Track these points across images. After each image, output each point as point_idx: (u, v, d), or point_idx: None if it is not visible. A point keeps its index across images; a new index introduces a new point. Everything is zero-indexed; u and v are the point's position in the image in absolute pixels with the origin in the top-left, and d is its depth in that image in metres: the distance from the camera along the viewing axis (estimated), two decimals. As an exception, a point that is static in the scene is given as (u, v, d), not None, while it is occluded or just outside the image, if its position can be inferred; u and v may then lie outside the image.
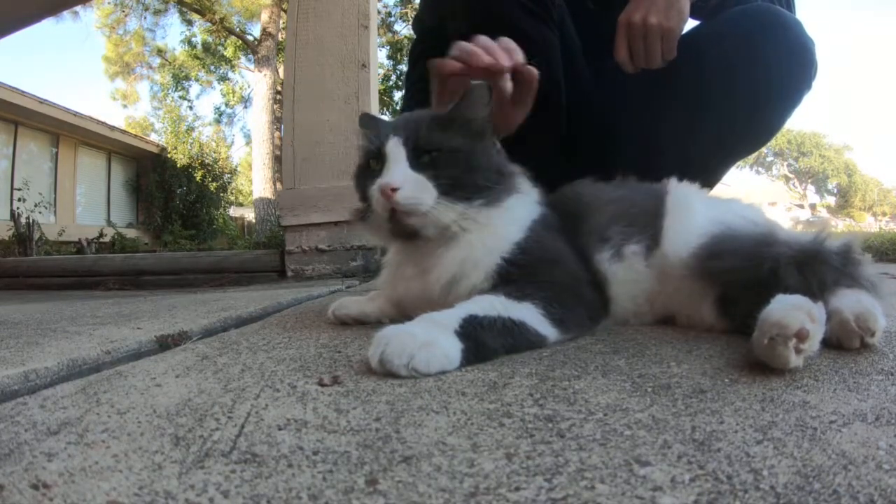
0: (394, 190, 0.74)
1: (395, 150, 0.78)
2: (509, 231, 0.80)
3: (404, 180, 0.75)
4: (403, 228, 0.79)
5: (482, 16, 1.18)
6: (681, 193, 0.89)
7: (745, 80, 1.14)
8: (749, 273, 0.71)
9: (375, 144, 0.81)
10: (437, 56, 1.11)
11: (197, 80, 13.78)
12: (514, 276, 0.75)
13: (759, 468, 0.36)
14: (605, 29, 1.18)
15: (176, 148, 11.08)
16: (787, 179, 30.88)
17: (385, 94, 11.08)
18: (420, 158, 0.78)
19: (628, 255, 0.83)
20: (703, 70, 1.16)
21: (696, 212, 0.85)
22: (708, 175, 1.31)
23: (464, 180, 0.78)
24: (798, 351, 0.55)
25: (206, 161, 11.18)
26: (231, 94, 14.03)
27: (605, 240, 0.83)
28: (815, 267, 0.70)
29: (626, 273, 0.82)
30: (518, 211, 0.82)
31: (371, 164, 0.82)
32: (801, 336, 0.55)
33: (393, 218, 0.77)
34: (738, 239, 0.77)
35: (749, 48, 1.13)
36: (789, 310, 0.57)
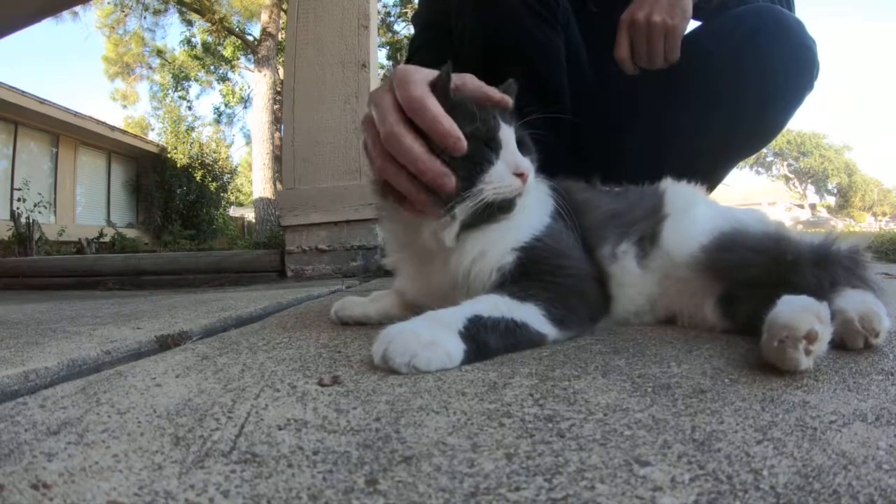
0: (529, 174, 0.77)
1: (510, 136, 0.78)
2: (538, 214, 0.82)
3: (530, 164, 0.79)
4: (494, 215, 0.77)
5: (488, 16, 1.18)
6: (679, 192, 0.90)
7: (752, 79, 1.15)
8: (763, 268, 0.72)
9: (486, 129, 0.76)
10: (437, 50, 1.09)
11: (196, 80, 13.80)
12: (533, 257, 0.76)
13: (759, 468, 0.36)
14: (607, 31, 1.18)
15: (176, 148, 11.09)
16: (787, 179, 30.89)
17: (385, 94, 11.06)
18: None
19: (620, 254, 0.83)
20: (710, 69, 1.16)
21: (699, 208, 0.85)
22: (712, 175, 1.31)
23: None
24: (808, 353, 0.55)
25: (206, 161, 11.20)
26: (231, 95, 14.05)
27: (602, 238, 0.84)
28: (829, 266, 0.70)
29: (622, 273, 0.83)
30: (543, 197, 0.84)
31: (481, 148, 0.76)
32: (811, 338, 0.54)
33: (510, 202, 0.76)
34: (752, 235, 0.78)
35: (754, 47, 1.13)
36: (798, 311, 0.56)
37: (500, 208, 0.77)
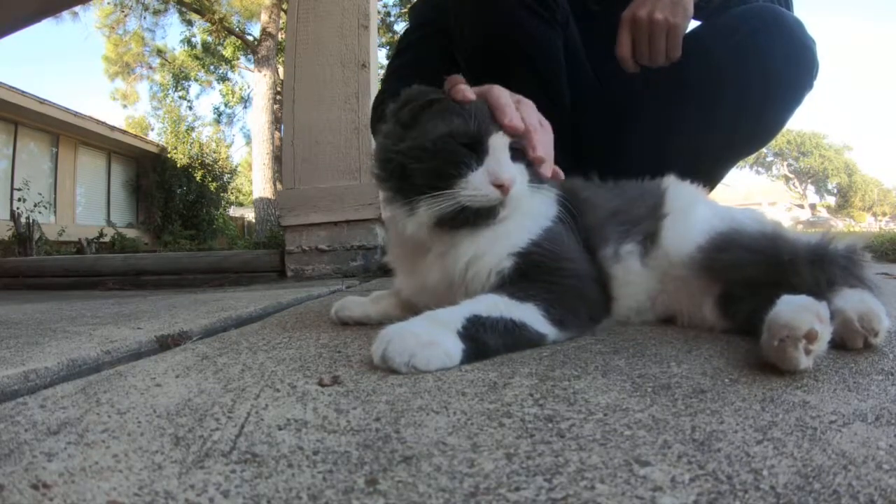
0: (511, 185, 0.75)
1: (502, 144, 0.77)
2: (542, 214, 0.81)
3: (517, 175, 0.77)
4: (475, 219, 0.76)
5: (486, 16, 1.18)
6: (680, 191, 0.90)
7: (753, 78, 1.15)
8: (760, 268, 0.72)
9: (474, 131, 0.76)
10: (432, 47, 1.09)
11: (196, 80, 13.79)
12: (532, 262, 0.76)
13: (759, 468, 0.36)
14: (607, 32, 1.18)
15: (176, 148, 11.09)
16: (787, 179, 30.87)
17: (385, 94, 11.07)
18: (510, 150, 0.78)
19: (625, 254, 0.83)
20: (711, 68, 1.16)
21: (699, 209, 0.85)
22: (713, 175, 1.31)
23: (535, 171, 0.81)
24: (808, 352, 0.55)
25: (206, 161, 11.19)
26: (230, 95, 14.04)
27: (604, 239, 0.84)
28: (825, 266, 0.70)
29: (625, 273, 0.83)
30: (547, 201, 0.83)
31: (460, 151, 0.76)
32: (811, 337, 0.54)
33: (489, 210, 0.75)
34: (749, 235, 0.78)
35: (755, 47, 1.14)
36: (798, 311, 0.56)
37: (478, 214, 0.76)
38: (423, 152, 0.76)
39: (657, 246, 0.83)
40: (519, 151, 0.79)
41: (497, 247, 0.77)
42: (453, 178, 0.74)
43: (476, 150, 0.76)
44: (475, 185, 0.74)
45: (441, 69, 0.91)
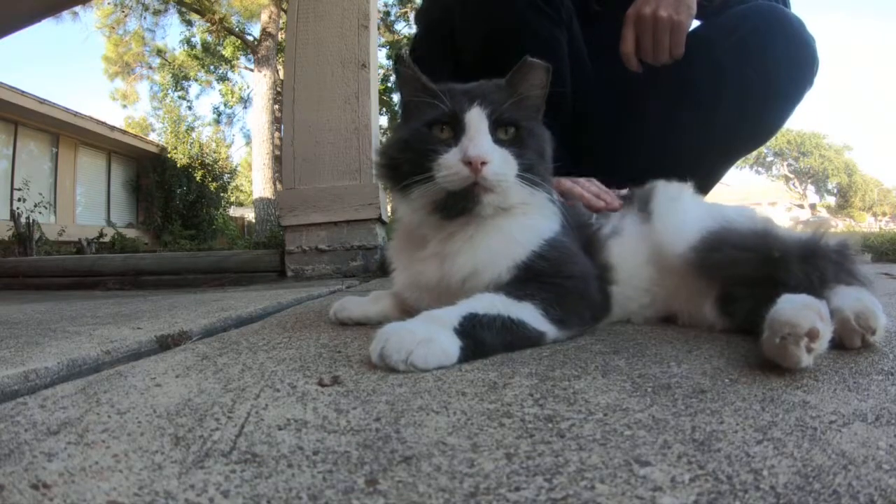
0: (484, 163, 0.71)
1: (478, 120, 0.74)
2: (544, 226, 0.80)
3: (494, 154, 0.73)
4: (462, 205, 0.75)
5: (490, 12, 1.18)
6: (666, 190, 0.91)
7: (755, 75, 1.16)
8: (752, 266, 0.72)
9: (449, 110, 0.75)
10: (441, 52, 1.11)
11: (196, 80, 13.79)
12: (534, 271, 0.75)
13: (759, 468, 0.36)
14: (609, 32, 1.19)
15: (176, 148, 11.09)
16: (787, 179, 30.85)
17: (385, 94, 11.09)
18: (498, 133, 0.76)
19: (625, 227, 0.87)
20: (714, 66, 1.17)
21: (687, 208, 0.86)
22: (714, 173, 1.32)
23: (536, 165, 0.78)
24: (809, 350, 0.55)
25: (206, 161, 11.19)
26: (230, 95, 14.04)
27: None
28: (816, 262, 0.70)
29: (622, 248, 0.85)
30: (548, 205, 0.82)
31: (436, 131, 0.76)
32: (813, 335, 0.55)
33: (467, 193, 0.73)
34: (739, 233, 0.78)
35: (757, 44, 1.15)
36: (799, 309, 0.57)
37: (459, 197, 0.74)
38: (405, 143, 0.79)
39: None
40: (515, 139, 0.77)
41: (498, 259, 0.76)
42: (431, 163, 0.74)
43: (455, 130, 0.75)
44: (447, 165, 0.73)
45: (449, 70, 0.92)
